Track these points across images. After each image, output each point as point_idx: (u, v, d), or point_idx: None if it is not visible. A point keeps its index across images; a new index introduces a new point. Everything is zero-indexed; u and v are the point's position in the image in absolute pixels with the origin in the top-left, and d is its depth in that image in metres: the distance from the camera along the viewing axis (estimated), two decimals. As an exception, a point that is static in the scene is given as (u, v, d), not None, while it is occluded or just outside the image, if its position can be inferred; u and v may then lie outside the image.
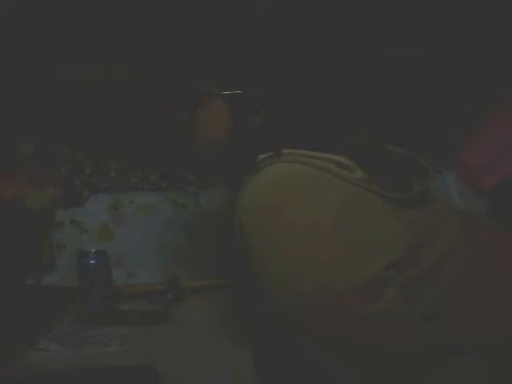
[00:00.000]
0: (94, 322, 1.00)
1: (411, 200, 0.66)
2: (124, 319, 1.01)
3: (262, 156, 0.68)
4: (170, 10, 0.81)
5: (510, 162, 1.30)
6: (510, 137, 1.31)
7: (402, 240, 0.63)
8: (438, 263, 0.65)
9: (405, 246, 0.63)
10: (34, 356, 0.85)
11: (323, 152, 0.65)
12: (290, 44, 0.78)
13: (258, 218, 0.61)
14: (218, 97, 0.74)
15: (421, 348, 0.61)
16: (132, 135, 0.79)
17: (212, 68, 0.75)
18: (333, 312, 0.59)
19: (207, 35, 0.77)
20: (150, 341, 0.90)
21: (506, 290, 0.68)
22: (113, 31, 0.83)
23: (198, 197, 1.32)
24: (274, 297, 0.61)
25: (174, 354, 0.82)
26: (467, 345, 0.63)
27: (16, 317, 0.96)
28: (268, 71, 0.75)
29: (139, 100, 0.76)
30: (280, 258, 0.60)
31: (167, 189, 1.33)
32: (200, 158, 0.77)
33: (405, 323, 0.61)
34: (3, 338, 0.88)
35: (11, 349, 0.85)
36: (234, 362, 0.77)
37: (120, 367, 0.78)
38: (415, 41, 1.21)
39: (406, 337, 0.61)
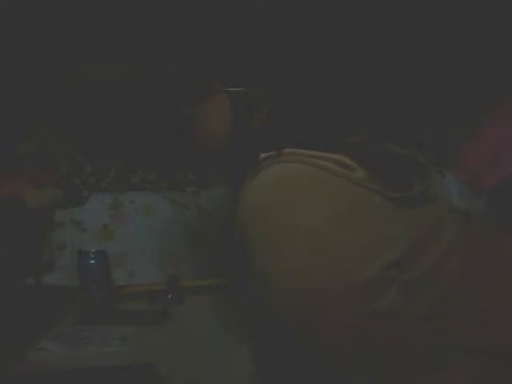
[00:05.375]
0: (93, 322, 1.00)
1: (411, 199, 0.66)
2: (124, 319, 1.01)
3: (263, 155, 0.68)
4: (172, 7, 0.81)
5: (510, 161, 1.30)
6: (510, 137, 1.31)
7: (403, 240, 0.63)
8: (439, 263, 0.65)
9: (405, 246, 0.63)
10: (34, 356, 0.85)
11: (324, 151, 0.65)
12: (291, 42, 0.78)
13: (259, 219, 0.61)
14: (219, 94, 0.74)
15: (421, 348, 0.61)
16: (132, 134, 0.79)
17: (214, 65, 0.75)
18: (333, 312, 0.59)
19: (209, 32, 0.77)
20: (149, 341, 0.90)
21: (506, 290, 0.68)
22: (113, 29, 0.83)
23: (198, 197, 1.32)
24: (274, 297, 0.61)
25: (173, 353, 0.83)
26: (467, 345, 0.63)
27: (16, 317, 0.97)
28: (270, 69, 0.75)
29: (140, 99, 0.76)
30: (280, 258, 0.60)
31: (167, 189, 1.33)
32: (201, 156, 0.77)
33: (405, 323, 0.61)
34: (3, 337, 0.88)
35: (11, 349, 0.85)
36: (234, 362, 0.77)
37: (120, 367, 0.78)
38: (415, 41, 1.21)
39: (406, 337, 0.61)
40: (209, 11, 0.79)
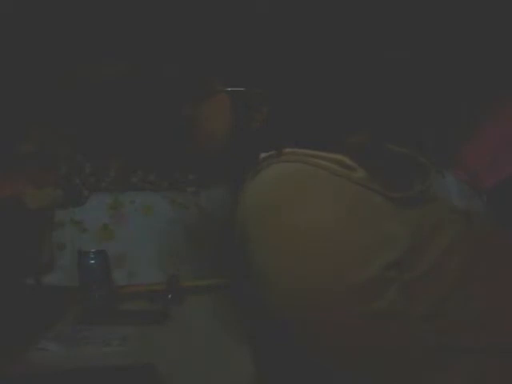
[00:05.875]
0: (93, 322, 1.00)
1: (412, 199, 0.66)
2: (124, 319, 1.01)
3: (263, 155, 0.68)
4: (172, 7, 0.81)
5: (510, 161, 1.30)
6: (510, 137, 1.31)
7: (403, 240, 0.63)
8: (439, 263, 0.65)
9: (405, 246, 0.63)
10: (34, 356, 0.85)
11: (324, 151, 0.65)
12: (291, 42, 0.78)
13: (259, 218, 0.61)
14: (219, 94, 0.74)
15: (421, 348, 0.61)
16: (132, 134, 0.79)
17: (214, 65, 0.75)
18: (333, 312, 0.59)
19: (209, 32, 0.77)
20: (149, 341, 0.90)
21: (506, 290, 0.68)
22: (113, 29, 0.83)
23: (198, 197, 1.32)
24: (274, 297, 0.61)
25: (174, 353, 0.83)
26: (467, 345, 0.63)
27: (16, 317, 0.97)
28: (270, 69, 0.75)
29: (140, 99, 0.76)
30: (280, 258, 0.60)
31: (167, 189, 1.33)
32: (201, 156, 0.77)
33: (405, 323, 0.61)
34: (3, 337, 0.88)
35: (11, 349, 0.85)
36: (234, 362, 0.77)
37: (120, 367, 0.78)
38: (415, 41, 1.21)
39: (406, 337, 0.61)
40: (209, 11, 0.79)
